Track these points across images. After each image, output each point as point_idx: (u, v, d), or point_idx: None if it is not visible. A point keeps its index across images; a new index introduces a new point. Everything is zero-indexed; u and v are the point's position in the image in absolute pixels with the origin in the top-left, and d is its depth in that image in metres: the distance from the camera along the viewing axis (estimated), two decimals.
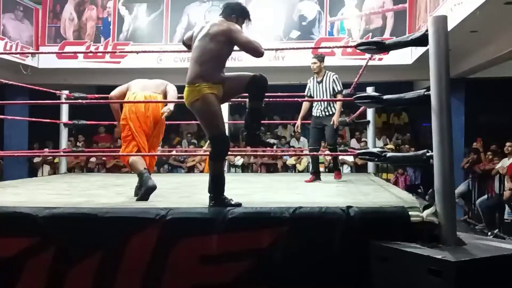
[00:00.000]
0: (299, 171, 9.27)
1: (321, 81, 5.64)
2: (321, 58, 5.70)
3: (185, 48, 3.64)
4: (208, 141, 3.56)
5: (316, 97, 5.67)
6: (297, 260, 2.92)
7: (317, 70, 5.67)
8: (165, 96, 4.30)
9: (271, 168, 9.59)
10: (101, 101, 3.41)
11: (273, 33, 8.98)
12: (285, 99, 4.57)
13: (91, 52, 8.99)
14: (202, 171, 9.13)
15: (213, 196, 3.25)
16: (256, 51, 3.34)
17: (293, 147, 10.23)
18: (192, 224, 2.97)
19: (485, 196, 7.51)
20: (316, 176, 5.75)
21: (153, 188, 3.75)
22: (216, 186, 3.25)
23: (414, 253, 2.60)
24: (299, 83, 8.93)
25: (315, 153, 5.74)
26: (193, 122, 9.06)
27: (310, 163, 6.99)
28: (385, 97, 3.29)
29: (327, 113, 5.64)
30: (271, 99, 4.12)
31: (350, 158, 9.14)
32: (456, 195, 4.39)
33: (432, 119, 2.98)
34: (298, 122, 5.98)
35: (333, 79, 5.59)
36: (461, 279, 2.37)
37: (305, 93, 5.85)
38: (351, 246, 2.90)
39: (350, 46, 4.01)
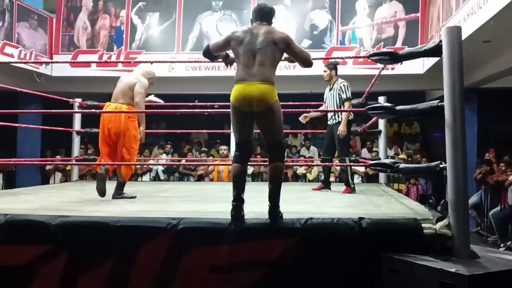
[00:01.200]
0: (309, 180, 9.23)
1: (332, 88, 5.64)
2: (331, 66, 5.69)
3: (196, 57, 3.65)
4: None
5: (327, 104, 5.69)
6: (307, 271, 2.90)
7: (327, 78, 5.67)
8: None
9: None
10: (114, 111, 3.42)
11: None
12: (296, 110, 4.56)
13: (104, 61, 9.06)
14: (212, 180, 9.14)
15: (275, 205, 3.13)
16: (308, 61, 3.42)
17: (304, 156, 10.19)
18: (203, 234, 2.97)
19: (498, 208, 7.42)
20: (325, 185, 5.73)
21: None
22: (279, 194, 3.19)
23: (426, 265, 2.58)
24: (310, 92, 8.94)
25: (324, 164, 5.66)
26: (204, 131, 9.12)
27: (321, 171, 6.91)
28: (398, 107, 3.28)
29: (334, 121, 5.61)
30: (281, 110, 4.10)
31: (361, 168, 9.08)
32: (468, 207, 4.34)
33: (446, 130, 2.96)
34: (308, 114, 5.78)
35: (341, 87, 5.53)
36: None
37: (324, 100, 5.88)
38: (363, 257, 2.88)
39: (363, 57, 4.00)
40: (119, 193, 4.50)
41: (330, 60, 5.96)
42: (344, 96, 5.49)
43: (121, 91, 4.58)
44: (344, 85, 5.53)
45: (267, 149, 3.33)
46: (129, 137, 4.50)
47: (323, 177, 6.00)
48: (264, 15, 3.41)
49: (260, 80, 3.23)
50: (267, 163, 3.24)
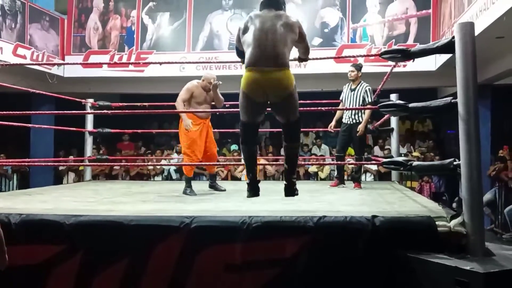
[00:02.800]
0: (321, 179, 9.21)
1: (355, 89, 5.76)
2: (358, 67, 5.84)
3: (207, 56, 3.67)
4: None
5: (347, 103, 5.79)
6: (321, 270, 2.89)
7: (353, 78, 5.81)
8: None
9: None
10: (126, 111, 3.41)
11: None
12: (308, 108, 4.54)
13: (115, 62, 9.11)
14: (224, 178, 9.16)
15: (291, 183, 3.33)
16: (308, 50, 3.54)
17: (315, 154, 10.17)
18: (217, 233, 2.97)
19: None
20: (340, 180, 5.92)
21: None
22: (294, 172, 3.37)
23: (441, 263, 2.56)
24: (321, 90, 8.92)
25: (337, 162, 5.80)
26: (215, 130, 9.15)
27: (334, 169, 7.10)
28: (410, 105, 3.26)
29: (354, 121, 5.76)
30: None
31: (373, 166, 9.04)
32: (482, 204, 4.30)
33: (460, 127, 2.93)
34: (333, 123, 6.09)
35: (366, 90, 5.69)
36: None
37: (340, 98, 5.99)
38: (376, 256, 2.86)
39: (375, 55, 3.98)
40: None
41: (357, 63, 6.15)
42: (368, 99, 5.68)
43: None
44: (369, 89, 5.71)
45: (283, 129, 3.33)
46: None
47: (336, 173, 6.23)
48: (274, 2, 3.35)
49: (275, 66, 3.15)
50: (279, 162, 3.28)
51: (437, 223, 2.90)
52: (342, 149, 5.92)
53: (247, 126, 3.29)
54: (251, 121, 3.29)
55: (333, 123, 6.09)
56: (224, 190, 5.26)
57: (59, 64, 9.08)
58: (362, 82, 5.77)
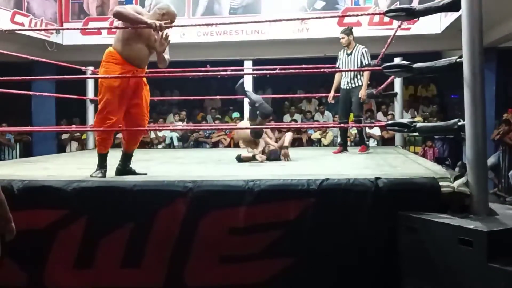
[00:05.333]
0: (324, 145, 9.19)
1: (351, 53, 5.73)
2: (347, 31, 5.78)
3: (208, 22, 3.55)
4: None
5: (345, 68, 5.75)
6: (324, 232, 2.90)
7: (346, 44, 5.76)
8: None
9: (296, 143, 9.53)
10: (126, 75, 3.32)
11: (297, 4, 8.80)
12: (309, 71, 4.48)
13: (114, 27, 8.97)
14: (228, 146, 9.17)
15: None
16: None
17: (318, 121, 10.13)
18: (220, 196, 2.97)
19: None
20: (343, 147, 5.91)
21: None
22: None
23: (444, 223, 2.56)
24: (324, 56, 8.80)
25: (339, 125, 5.81)
26: (217, 97, 9.12)
27: (338, 136, 7.12)
28: (415, 65, 3.20)
29: (353, 85, 5.73)
30: (295, 71, 4.05)
31: (376, 132, 9.01)
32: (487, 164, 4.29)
33: (464, 87, 2.89)
34: (331, 93, 6.07)
35: (362, 52, 5.65)
36: (493, 249, 2.31)
37: (336, 65, 5.92)
38: (380, 217, 2.86)
39: (378, 13, 3.91)
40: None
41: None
42: (365, 62, 5.63)
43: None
44: (365, 51, 5.66)
45: None
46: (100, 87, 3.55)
47: (339, 140, 6.23)
48: None
49: None
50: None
51: (440, 183, 2.89)
52: (344, 116, 5.91)
53: None
54: None
55: (331, 93, 6.06)
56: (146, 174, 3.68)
57: (57, 29, 8.93)
58: (357, 45, 5.72)
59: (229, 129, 7.30)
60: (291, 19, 7.46)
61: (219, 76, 4.17)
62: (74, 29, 7.88)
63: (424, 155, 8.59)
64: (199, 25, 7.81)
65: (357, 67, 5.60)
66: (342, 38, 5.74)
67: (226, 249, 2.95)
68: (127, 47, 3.54)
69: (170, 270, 2.97)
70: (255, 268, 2.92)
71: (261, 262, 2.92)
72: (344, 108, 5.87)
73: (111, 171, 3.55)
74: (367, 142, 5.81)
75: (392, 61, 6.05)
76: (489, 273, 2.27)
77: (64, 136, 10.15)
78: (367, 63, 5.59)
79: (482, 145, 2.86)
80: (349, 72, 5.71)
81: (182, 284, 2.96)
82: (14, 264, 3.00)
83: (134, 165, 3.70)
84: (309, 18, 3.52)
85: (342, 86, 5.83)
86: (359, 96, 5.60)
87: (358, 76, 5.67)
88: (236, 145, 9.09)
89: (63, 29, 8.29)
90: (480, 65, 2.86)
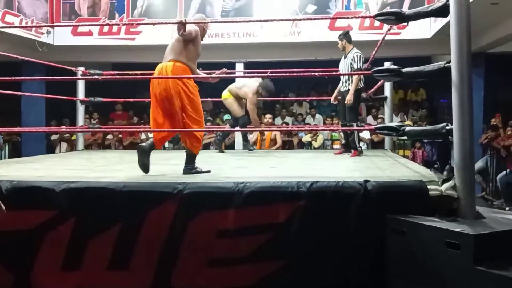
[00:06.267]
0: (315, 148, 9.22)
1: (346, 57, 5.81)
2: (341, 36, 5.85)
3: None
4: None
5: (340, 72, 5.90)
6: (313, 234, 2.91)
7: (341, 48, 5.86)
8: None
9: (286, 145, 9.55)
10: (117, 77, 3.31)
11: (289, 8, 8.85)
12: (300, 74, 4.50)
13: (105, 24, 8.95)
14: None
15: None
16: None
17: (309, 124, 10.16)
18: (209, 199, 2.97)
19: (504, 172, 7.42)
20: (345, 148, 6.08)
21: None
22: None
23: (431, 226, 2.58)
24: (315, 59, 8.84)
25: (328, 128, 5.85)
26: (208, 99, 9.10)
27: (328, 139, 7.21)
28: (404, 70, 3.23)
29: (345, 88, 5.83)
30: (286, 75, 4.06)
31: (366, 135, 9.06)
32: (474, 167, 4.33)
33: (453, 92, 2.92)
34: (334, 94, 6.23)
35: (353, 56, 5.67)
36: (480, 252, 2.34)
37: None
38: (368, 220, 2.88)
39: (369, 17, 3.93)
40: (189, 168, 3.88)
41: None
42: (355, 66, 5.64)
43: (169, 48, 3.92)
44: (357, 55, 5.66)
45: None
46: (182, 100, 3.74)
47: (343, 142, 6.47)
48: None
49: None
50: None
51: (428, 187, 2.92)
52: (343, 118, 5.97)
53: None
54: None
55: (335, 94, 6.20)
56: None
57: (48, 27, 8.88)
58: (352, 49, 5.76)
59: (220, 131, 7.28)
60: (281, 20, 7.50)
61: (210, 80, 4.15)
62: (66, 25, 7.83)
63: (413, 159, 8.65)
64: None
65: (349, 71, 5.66)
66: (338, 43, 5.86)
67: (215, 251, 2.95)
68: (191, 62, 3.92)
69: (158, 273, 2.96)
70: (244, 271, 2.92)
71: (250, 265, 2.92)
72: (341, 111, 5.99)
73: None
74: (359, 148, 5.79)
75: (383, 65, 6.14)
76: (475, 276, 2.30)
77: (54, 137, 10.08)
78: (356, 67, 5.60)
79: (470, 149, 2.90)
80: (342, 76, 5.85)
81: (170, 287, 2.95)
82: (1, 265, 2.98)
83: (126, 166, 3.69)
84: (300, 19, 3.53)
85: (340, 89, 5.97)
86: (345, 101, 5.66)
87: (350, 81, 5.73)
88: (227, 147, 9.10)
89: (53, 26, 8.22)
90: (468, 70, 2.90)
